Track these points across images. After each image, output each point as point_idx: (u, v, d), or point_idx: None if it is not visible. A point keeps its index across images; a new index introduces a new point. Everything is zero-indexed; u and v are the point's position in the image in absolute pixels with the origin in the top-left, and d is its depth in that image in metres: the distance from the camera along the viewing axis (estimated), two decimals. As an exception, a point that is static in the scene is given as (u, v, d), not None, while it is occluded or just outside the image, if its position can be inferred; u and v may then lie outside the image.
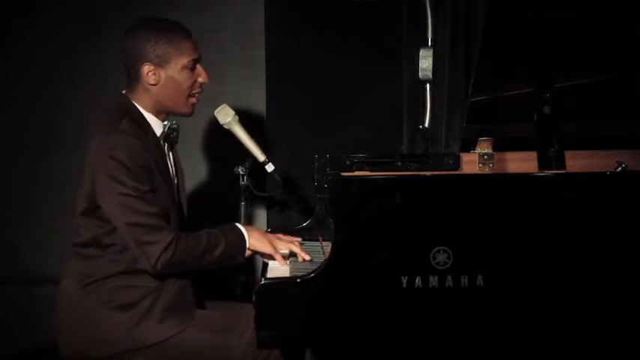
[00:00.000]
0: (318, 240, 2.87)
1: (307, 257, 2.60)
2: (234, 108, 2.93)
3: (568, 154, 2.40)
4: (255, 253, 2.59)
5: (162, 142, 2.59)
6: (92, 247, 2.49)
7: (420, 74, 3.32)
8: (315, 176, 2.90)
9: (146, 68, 2.51)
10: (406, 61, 3.55)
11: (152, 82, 2.52)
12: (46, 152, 3.89)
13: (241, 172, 3.00)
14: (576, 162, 2.57)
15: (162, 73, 2.52)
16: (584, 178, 2.37)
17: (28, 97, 3.89)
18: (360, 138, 3.63)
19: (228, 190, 3.68)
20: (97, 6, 3.82)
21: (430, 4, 3.37)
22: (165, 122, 2.60)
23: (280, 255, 2.58)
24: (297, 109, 3.78)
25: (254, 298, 2.31)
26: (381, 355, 2.34)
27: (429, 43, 3.37)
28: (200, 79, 2.59)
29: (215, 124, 2.96)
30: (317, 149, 2.94)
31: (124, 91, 2.58)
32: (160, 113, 2.59)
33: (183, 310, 2.53)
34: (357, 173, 2.77)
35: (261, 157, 2.95)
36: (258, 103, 3.82)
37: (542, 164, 2.39)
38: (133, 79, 2.55)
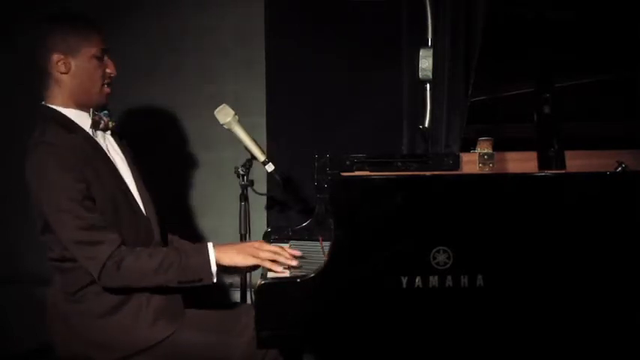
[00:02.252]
0: (318, 240, 2.87)
1: (294, 262, 2.48)
2: (234, 108, 2.93)
3: (568, 154, 2.40)
4: (241, 269, 2.50)
5: (93, 133, 2.55)
6: (66, 260, 2.47)
7: (420, 74, 3.32)
8: (315, 176, 2.90)
9: (56, 57, 2.49)
10: (406, 61, 3.55)
11: (63, 70, 2.50)
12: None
13: (241, 172, 3.00)
14: (576, 162, 2.57)
15: (72, 63, 2.50)
16: (584, 178, 2.37)
17: (29, 97, 3.89)
18: (360, 138, 3.63)
19: (228, 190, 3.69)
20: (98, 6, 3.82)
21: (430, 4, 3.37)
22: (91, 110, 2.56)
23: (270, 262, 2.46)
24: (297, 109, 3.78)
25: (254, 297, 2.31)
26: (381, 355, 2.34)
27: (429, 43, 3.37)
28: (108, 70, 2.57)
29: (215, 124, 2.96)
30: (317, 149, 2.94)
31: (42, 102, 2.56)
32: (78, 107, 2.55)
33: (173, 310, 2.51)
34: (357, 173, 2.76)
35: (261, 157, 2.95)
36: (258, 103, 3.82)
37: (542, 164, 2.39)
38: (46, 77, 2.53)
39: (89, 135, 2.54)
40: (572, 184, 2.34)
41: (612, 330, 2.34)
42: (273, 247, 2.51)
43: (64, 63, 2.50)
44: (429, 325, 2.31)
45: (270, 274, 2.48)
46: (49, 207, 2.39)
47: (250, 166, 3.00)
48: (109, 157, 2.57)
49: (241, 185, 3.02)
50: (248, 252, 2.46)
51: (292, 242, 2.89)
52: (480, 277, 2.28)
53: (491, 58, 2.63)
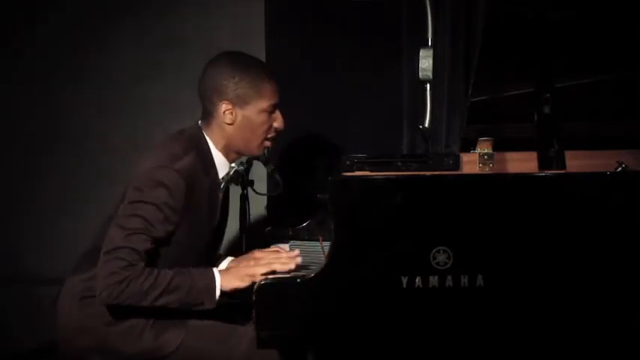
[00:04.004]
0: (318, 240, 2.86)
1: (292, 266, 2.44)
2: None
3: (568, 154, 2.40)
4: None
5: (223, 184, 2.54)
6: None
7: (420, 74, 3.32)
8: (316, 176, 2.90)
9: (224, 106, 2.46)
10: (406, 61, 3.55)
11: (228, 121, 2.47)
12: (47, 152, 3.89)
13: (242, 172, 3.00)
14: (576, 162, 2.56)
15: (240, 113, 2.47)
16: (584, 178, 2.37)
17: (29, 97, 3.90)
18: (360, 138, 3.63)
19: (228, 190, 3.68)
20: (99, 6, 3.82)
21: (430, 4, 3.37)
22: (233, 165, 2.55)
23: (261, 278, 2.40)
24: (297, 109, 3.78)
25: (254, 297, 2.31)
26: (381, 355, 2.34)
27: (429, 43, 3.37)
28: (276, 124, 2.53)
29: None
30: (317, 149, 2.93)
31: (199, 122, 2.53)
32: (230, 153, 2.53)
33: (175, 323, 2.47)
34: (357, 173, 2.76)
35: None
36: (258, 103, 3.82)
37: (543, 164, 2.39)
38: (208, 113, 2.50)
39: (217, 185, 2.51)
40: (573, 184, 2.34)
41: (613, 330, 2.34)
42: (268, 258, 2.47)
43: (232, 113, 2.46)
44: (429, 325, 2.31)
45: (270, 275, 2.48)
46: (132, 213, 2.35)
47: (250, 166, 3.00)
48: (217, 211, 2.55)
49: (241, 185, 3.02)
50: (244, 273, 2.42)
51: (292, 242, 2.89)
52: (480, 277, 2.28)
53: (491, 58, 2.63)
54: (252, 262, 2.48)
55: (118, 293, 2.32)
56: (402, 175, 2.66)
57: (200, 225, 2.49)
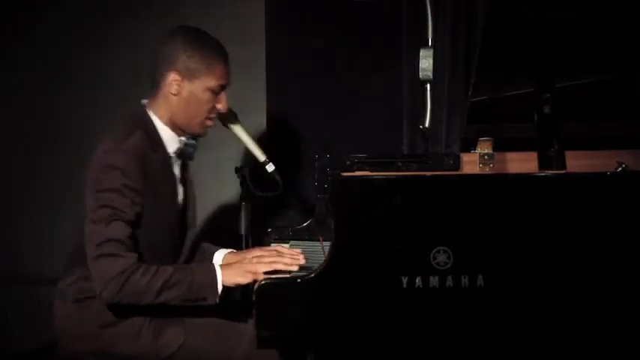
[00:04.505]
0: (318, 240, 2.86)
1: (294, 268, 2.44)
2: (234, 108, 2.93)
3: (568, 154, 2.40)
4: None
5: (174, 158, 2.55)
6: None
7: (420, 74, 3.32)
8: (315, 176, 2.90)
9: (172, 75, 2.47)
10: (406, 61, 3.55)
11: (174, 91, 2.47)
12: (47, 152, 3.89)
13: (241, 172, 3.00)
14: (576, 162, 2.56)
15: (187, 87, 2.48)
16: (584, 178, 2.37)
17: (29, 97, 3.90)
18: (360, 138, 3.63)
19: (228, 190, 3.69)
20: (98, 6, 3.82)
21: (430, 4, 3.37)
22: (182, 137, 2.55)
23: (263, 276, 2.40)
24: (297, 109, 3.78)
25: (254, 297, 2.31)
26: (382, 356, 2.34)
27: (429, 43, 3.37)
28: (219, 106, 2.55)
29: (215, 124, 2.95)
30: (317, 149, 2.93)
31: (144, 101, 2.55)
32: (177, 129, 2.54)
33: (174, 326, 2.48)
34: (357, 173, 2.76)
35: (261, 157, 2.94)
36: (258, 103, 3.82)
37: (543, 164, 2.39)
38: (155, 86, 2.51)
39: (168, 159, 2.52)
40: (573, 184, 2.34)
41: (613, 330, 2.34)
42: (270, 256, 2.48)
43: (178, 84, 2.47)
44: (429, 325, 2.31)
45: (270, 274, 2.48)
46: (97, 204, 2.35)
47: (250, 166, 3.00)
48: (176, 185, 2.56)
49: (241, 185, 3.02)
50: (246, 269, 2.42)
51: (292, 242, 2.89)
52: (480, 277, 2.28)
53: (491, 58, 2.63)
54: (254, 260, 2.47)
55: (118, 289, 2.31)
56: (402, 175, 2.67)
57: (163, 203, 2.48)
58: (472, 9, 3.37)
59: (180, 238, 2.60)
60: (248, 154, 2.98)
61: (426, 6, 3.38)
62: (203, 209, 3.98)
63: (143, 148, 2.43)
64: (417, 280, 2.28)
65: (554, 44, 2.52)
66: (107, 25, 3.79)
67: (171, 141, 2.54)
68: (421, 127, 3.41)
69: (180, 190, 2.62)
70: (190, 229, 2.68)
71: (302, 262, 2.46)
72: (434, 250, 2.28)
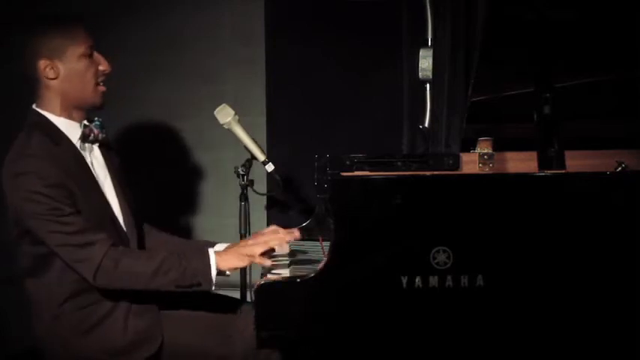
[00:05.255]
0: (318, 240, 2.87)
1: (290, 238, 2.46)
2: (234, 108, 2.93)
3: (568, 154, 2.40)
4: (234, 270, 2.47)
5: (81, 145, 2.49)
6: (38, 271, 2.44)
7: (420, 74, 3.32)
8: (316, 176, 2.90)
9: (42, 63, 2.42)
10: (406, 61, 3.55)
11: (52, 76, 2.42)
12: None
13: (241, 172, 3.00)
14: (576, 162, 2.57)
15: (60, 66, 2.43)
16: (584, 178, 2.37)
17: (29, 97, 3.89)
18: (360, 138, 3.63)
19: (228, 190, 3.69)
20: (98, 6, 3.82)
21: (430, 4, 3.37)
22: (84, 121, 2.50)
23: (260, 258, 2.41)
24: (297, 109, 3.78)
25: (254, 297, 2.31)
26: (381, 356, 2.34)
27: (429, 43, 3.37)
28: (101, 67, 2.49)
29: (215, 124, 2.96)
30: (317, 149, 2.94)
31: (33, 105, 2.50)
32: (74, 112, 2.48)
33: (152, 333, 2.46)
34: (357, 173, 2.77)
35: (261, 157, 2.95)
36: (258, 103, 3.82)
37: (542, 164, 2.39)
38: (35, 82, 2.46)
39: (75, 147, 2.47)
40: (572, 184, 2.34)
41: (613, 329, 2.34)
42: (265, 236, 2.48)
43: (52, 68, 2.42)
44: (429, 325, 2.31)
45: (270, 275, 2.48)
46: (33, 216, 2.33)
47: (250, 166, 3.00)
48: (92, 172, 2.50)
49: (241, 185, 3.02)
50: (242, 253, 2.41)
51: (292, 242, 2.89)
52: (480, 277, 2.28)
53: (491, 58, 2.63)
54: (250, 241, 2.47)
55: (110, 272, 2.31)
56: (402, 175, 2.66)
57: (88, 193, 2.43)
58: (472, 9, 3.37)
59: (121, 232, 2.53)
60: (248, 154, 2.98)
61: (426, 6, 3.38)
62: (203, 209, 3.98)
63: (47, 146, 2.39)
64: (416, 280, 2.28)
65: (554, 44, 2.52)
66: (106, 25, 3.78)
67: (72, 130, 2.48)
68: (421, 127, 3.41)
69: (107, 176, 2.55)
70: (132, 216, 2.60)
71: (297, 235, 2.48)
72: (434, 250, 2.28)
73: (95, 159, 2.55)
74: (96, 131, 2.51)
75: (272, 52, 3.78)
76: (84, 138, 2.49)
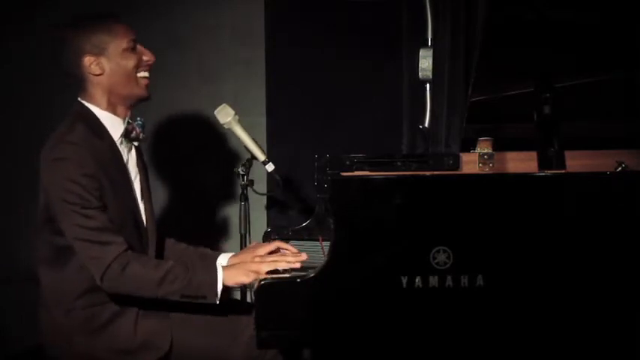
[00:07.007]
0: (318, 240, 2.86)
1: (297, 265, 2.44)
2: (234, 108, 2.93)
3: (568, 154, 2.40)
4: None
5: (122, 142, 2.53)
6: (57, 263, 2.44)
7: (420, 74, 3.32)
8: (315, 176, 2.90)
9: (87, 60, 2.47)
10: (406, 61, 3.55)
11: (97, 72, 2.47)
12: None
13: (241, 172, 3.00)
14: (576, 162, 2.57)
15: (105, 62, 2.48)
16: (584, 178, 2.37)
17: (30, 97, 3.89)
18: (360, 138, 3.63)
19: (228, 190, 3.69)
20: (98, 6, 3.82)
21: (430, 4, 3.37)
22: (127, 119, 2.54)
23: (265, 275, 2.40)
24: (297, 109, 3.78)
25: (254, 297, 2.31)
26: (381, 356, 2.34)
27: (429, 43, 3.37)
28: (145, 58, 2.54)
29: (215, 124, 2.96)
30: (317, 149, 2.94)
31: (79, 98, 2.53)
32: (119, 107, 2.53)
33: (161, 336, 2.48)
34: (357, 173, 2.77)
35: (261, 156, 2.95)
36: (258, 103, 3.82)
37: (542, 164, 2.39)
38: (80, 80, 2.50)
39: (115, 143, 2.51)
40: (572, 184, 2.34)
41: (613, 329, 2.34)
42: (273, 256, 2.49)
43: (97, 64, 2.47)
44: (429, 325, 2.31)
45: (269, 274, 2.48)
46: (61, 202, 2.36)
47: (250, 166, 3.00)
48: (127, 170, 2.55)
49: (241, 185, 3.02)
50: (249, 269, 2.42)
51: (292, 242, 2.89)
52: (480, 277, 2.28)
53: (491, 58, 2.62)
54: (257, 259, 2.48)
55: (117, 276, 2.33)
56: (402, 175, 2.67)
57: (119, 189, 2.46)
58: (472, 9, 3.37)
59: (144, 233, 2.57)
60: (248, 154, 2.98)
61: (425, 6, 3.38)
62: (203, 209, 3.98)
63: (89, 137, 2.42)
64: (416, 280, 2.28)
65: (554, 44, 2.52)
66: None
67: (116, 126, 2.52)
68: (421, 127, 3.41)
69: (137, 176, 2.60)
70: (154, 218, 2.65)
71: (304, 259, 2.46)
72: (434, 250, 2.28)
73: (131, 158, 2.59)
74: (138, 130, 2.56)
75: (272, 52, 3.78)
76: (126, 134, 2.53)
